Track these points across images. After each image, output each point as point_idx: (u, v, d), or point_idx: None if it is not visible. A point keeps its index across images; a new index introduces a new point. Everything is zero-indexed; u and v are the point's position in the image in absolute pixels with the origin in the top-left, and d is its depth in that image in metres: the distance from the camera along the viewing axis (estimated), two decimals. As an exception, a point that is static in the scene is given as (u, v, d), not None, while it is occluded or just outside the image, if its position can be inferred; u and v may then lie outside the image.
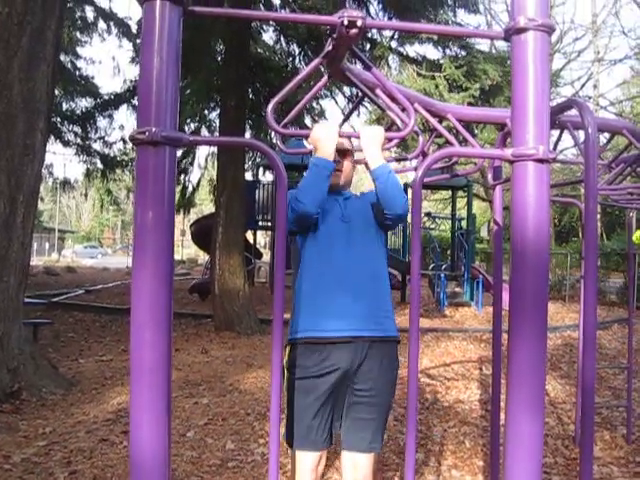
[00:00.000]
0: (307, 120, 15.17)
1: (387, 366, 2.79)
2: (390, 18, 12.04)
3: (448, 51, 12.62)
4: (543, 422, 1.53)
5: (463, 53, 12.52)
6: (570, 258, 19.06)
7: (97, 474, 4.14)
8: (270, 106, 2.28)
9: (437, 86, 11.33)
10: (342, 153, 2.89)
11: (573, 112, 2.83)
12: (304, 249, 2.84)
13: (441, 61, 12.05)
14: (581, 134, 2.88)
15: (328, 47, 2.09)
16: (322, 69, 2.61)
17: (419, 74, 11.84)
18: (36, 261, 31.13)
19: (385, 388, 2.79)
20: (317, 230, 2.79)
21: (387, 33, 12.42)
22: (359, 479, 2.80)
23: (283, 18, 2.05)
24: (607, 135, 4.53)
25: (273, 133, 13.22)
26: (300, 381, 2.72)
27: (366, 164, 2.85)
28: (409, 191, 11.27)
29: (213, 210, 14.20)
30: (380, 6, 12.29)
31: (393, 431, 5.18)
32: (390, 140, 2.83)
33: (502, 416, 2.93)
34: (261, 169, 19.97)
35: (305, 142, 13.50)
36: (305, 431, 2.71)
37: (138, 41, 14.50)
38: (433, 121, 2.92)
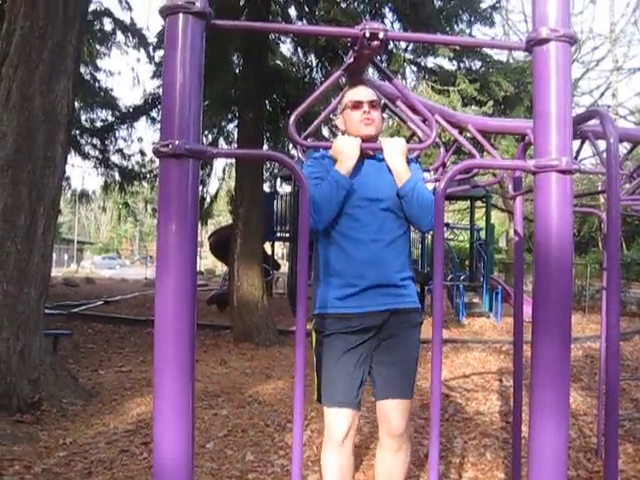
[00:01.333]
0: (325, 131, 15.18)
1: (411, 322, 2.95)
2: (405, 31, 12.06)
3: (462, 64, 12.61)
4: (567, 434, 1.52)
5: (478, 65, 12.51)
6: (589, 269, 18.93)
7: (117, 485, 4.16)
8: (292, 118, 2.29)
9: (451, 102, 11.33)
10: (370, 104, 2.86)
11: (594, 122, 2.82)
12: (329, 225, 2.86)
13: (456, 73, 12.04)
14: (602, 144, 2.87)
15: (349, 59, 2.10)
16: (340, 81, 2.62)
17: (434, 89, 11.84)
18: (55, 272, 31.28)
19: (409, 337, 2.94)
20: (343, 206, 2.81)
21: (402, 45, 12.42)
22: (394, 426, 2.94)
23: (305, 30, 2.05)
24: (627, 145, 4.52)
25: (291, 145, 13.28)
26: (327, 338, 2.86)
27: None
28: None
29: (231, 221, 14.22)
30: (395, 17, 12.30)
31: (413, 443, 5.14)
32: (411, 152, 2.83)
33: (523, 428, 2.92)
34: (279, 180, 20.00)
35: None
36: (336, 385, 2.85)
37: (158, 53, 14.61)
38: (454, 132, 2.92)
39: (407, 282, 2.96)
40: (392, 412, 2.93)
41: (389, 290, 2.86)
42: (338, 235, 2.84)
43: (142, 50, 15.56)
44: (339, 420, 2.86)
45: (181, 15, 1.42)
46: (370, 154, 2.94)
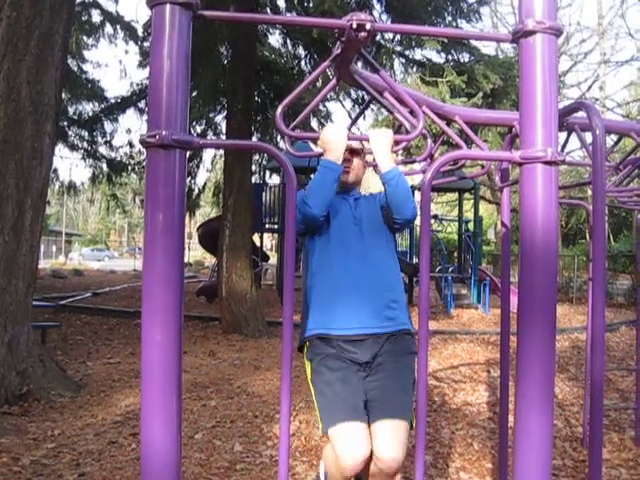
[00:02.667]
0: (314, 123, 15.18)
1: (403, 350, 2.82)
2: (393, 23, 12.04)
3: (450, 57, 12.61)
4: (552, 423, 1.53)
5: (466, 58, 12.51)
6: (577, 260, 19.03)
7: (106, 476, 4.15)
8: (279, 109, 2.30)
9: (440, 93, 11.34)
10: (352, 152, 2.91)
11: (580, 114, 2.84)
12: (314, 251, 2.86)
13: (444, 66, 12.05)
14: (589, 136, 2.88)
15: (337, 50, 2.10)
16: (329, 72, 2.62)
17: (422, 80, 11.84)
18: (43, 264, 31.19)
19: (404, 365, 2.80)
20: (328, 231, 2.81)
21: (389, 36, 12.41)
22: (391, 452, 2.60)
23: (291, 21, 2.05)
24: (614, 137, 4.54)
25: (279, 136, 13.26)
26: (320, 362, 2.75)
27: (374, 166, 2.87)
28: (417, 194, 11.27)
29: (220, 213, 14.20)
30: (383, 9, 12.29)
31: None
32: (398, 143, 2.83)
33: (510, 418, 2.94)
34: (267, 172, 19.98)
35: (312, 145, 13.48)
36: (337, 402, 2.64)
37: (145, 44, 14.54)
38: (441, 124, 2.93)
39: (398, 305, 2.87)
40: (384, 434, 2.63)
41: (380, 312, 2.78)
42: (325, 258, 2.83)
43: (131, 42, 15.48)
44: (348, 440, 2.56)
45: (168, 6, 1.41)
46: (356, 188, 3.05)
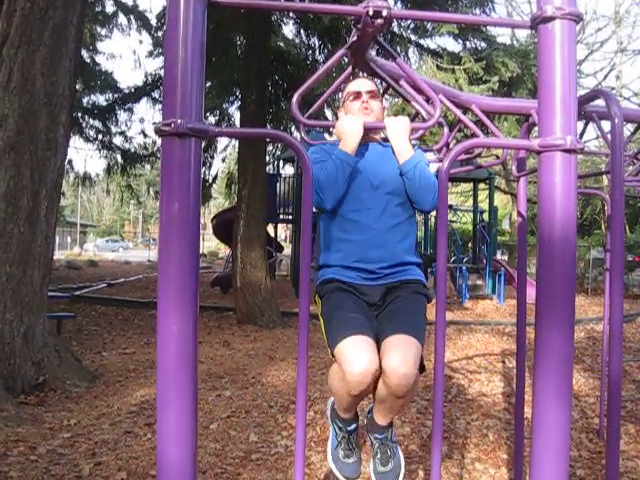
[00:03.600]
0: (328, 113, 15.12)
1: (415, 291, 2.81)
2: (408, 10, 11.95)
3: (468, 44, 12.51)
4: (570, 414, 1.52)
5: (483, 45, 12.43)
6: (592, 251, 18.93)
7: (122, 465, 4.17)
8: (295, 98, 2.28)
9: (457, 79, 11.26)
10: (369, 94, 2.87)
11: (598, 102, 2.81)
12: (329, 214, 2.85)
13: (461, 54, 11.96)
14: (606, 125, 2.85)
15: (353, 38, 2.08)
16: (342, 62, 2.60)
17: (439, 67, 11.77)
18: (58, 255, 31.37)
19: (416, 300, 2.78)
20: (345, 193, 2.78)
21: (404, 24, 12.31)
22: (402, 366, 2.41)
23: (306, 8, 2.02)
24: (631, 127, 4.50)
25: (293, 127, 13.14)
26: (331, 293, 2.76)
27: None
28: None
29: (233, 204, 14.20)
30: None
31: (416, 424, 5.17)
32: (415, 131, 2.80)
33: (526, 409, 2.92)
34: (281, 162, 19.97)
35: (326, 135, 13.47)
36: (346, 321, 2.58)
37: (158, 34, 14.54)
38: (458, 112, 2.90)
39: (412, 266, 2.86)
40: (394, 348, 2.46)
41: (392, 270, 2.79)
42: (341, 218, 2.80)
43: (144, 32, 15.49)
44: (353, 351, 2.42)
45: (182, -7, 1.40)
46: (375, 139, 2.93)
